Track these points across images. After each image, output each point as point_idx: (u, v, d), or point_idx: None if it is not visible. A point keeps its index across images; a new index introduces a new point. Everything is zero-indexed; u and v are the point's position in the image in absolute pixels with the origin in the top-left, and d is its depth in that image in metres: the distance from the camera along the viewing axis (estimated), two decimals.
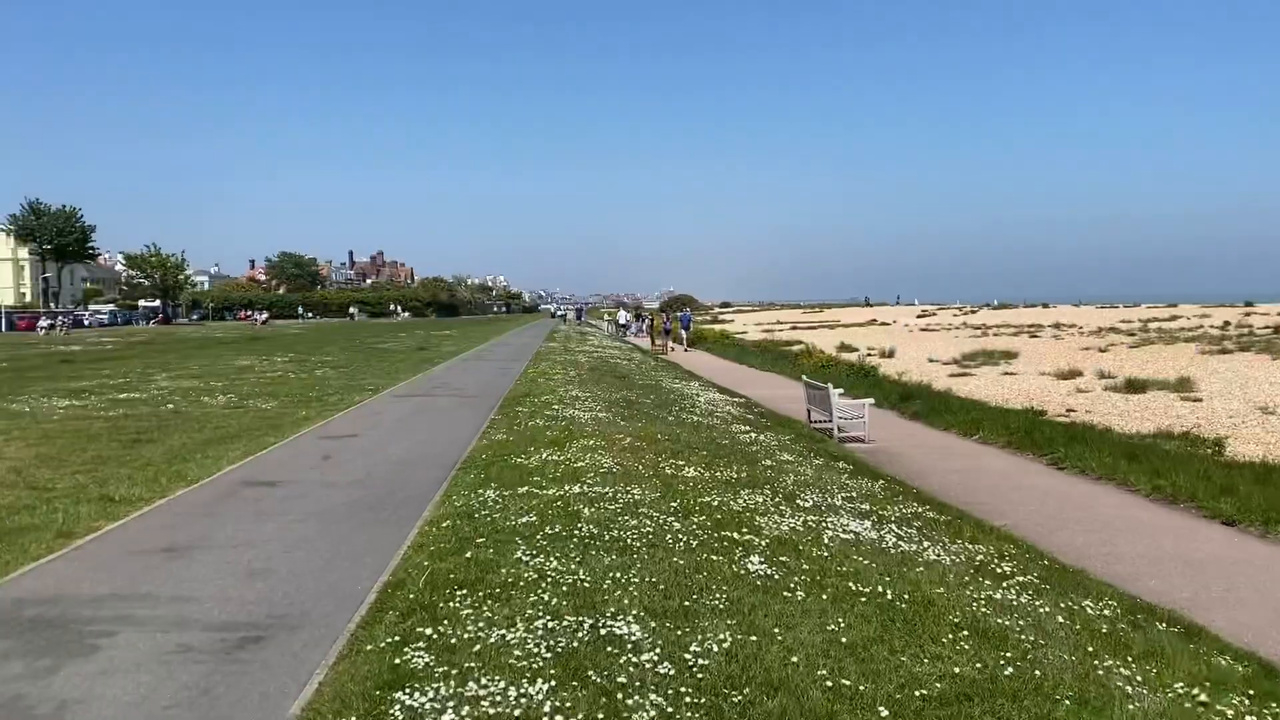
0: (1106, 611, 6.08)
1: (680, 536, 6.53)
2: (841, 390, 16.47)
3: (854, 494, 9.58)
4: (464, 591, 5.22)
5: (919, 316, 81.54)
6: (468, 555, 6.02)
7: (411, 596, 5.21)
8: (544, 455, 9.92)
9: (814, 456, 12.46)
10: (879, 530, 7.61)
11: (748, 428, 14.91)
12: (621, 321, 63.82)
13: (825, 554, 6.46)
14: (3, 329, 70.78)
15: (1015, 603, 5.88)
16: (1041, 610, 5.78)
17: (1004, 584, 6.39)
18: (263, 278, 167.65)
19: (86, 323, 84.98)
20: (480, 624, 4.69)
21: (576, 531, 6.54)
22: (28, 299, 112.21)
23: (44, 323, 65.70)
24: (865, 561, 6.38)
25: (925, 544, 7.32)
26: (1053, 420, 16.92)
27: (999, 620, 5.37)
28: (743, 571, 5.80)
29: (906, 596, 5.56)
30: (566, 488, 8.08)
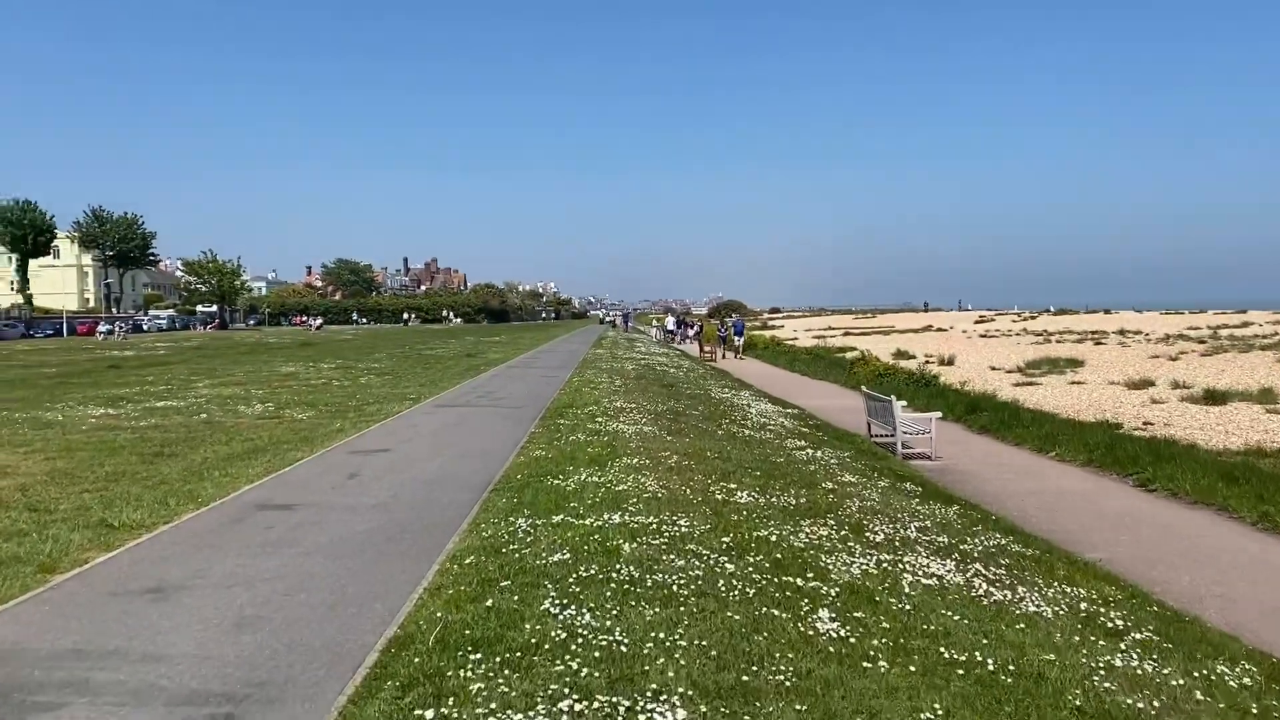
0: (1247, 680, 5.07)
1: (735, 582, 5.63)
2: (904, 403, 15.42)
3: (928, 523, 8.59)
4: (478, 655, 4.37)
5: (976, 322, 79.45)
6: (488, 604, 5.19)
7: (417, 661, 4.38)
8: (583, 476, 9.07)
9: (878, 477, 11.46)
10: (964, 572, 6.63)
11: (804, 443, 13.94)
12: (670, 328, 62.84)
13: (907, 606, 5.51)
14: (64, 334, 72.01)
15: (1139, 671, 4.89)
16: (1173, 682, 4.78)
17: (1120, 644, 5.40)
18: (319, 284, 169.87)
19: (145, 327, 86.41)
20: (493, 703, 3.84)
21: (615, 574, 5.67)
22: (91, 304, 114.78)
23: (103, 327, 66.73)
24: (955, 617, 5.42)
25: (1020, 590, 6.34)
26: (1134, 435, 15.69)
27: (1127, 701, 4.39)
28: (811, 632, 4.88)
29: (1012, 667, 4.60)
30: (606, 517, 7.22)
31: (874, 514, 8.56)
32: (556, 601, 5.17)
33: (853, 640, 4.80)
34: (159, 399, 18.27)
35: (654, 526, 6.93)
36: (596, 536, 6.59)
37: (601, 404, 16.45)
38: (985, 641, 5.03)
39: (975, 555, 7.42)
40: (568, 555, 6.11)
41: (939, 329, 69.51)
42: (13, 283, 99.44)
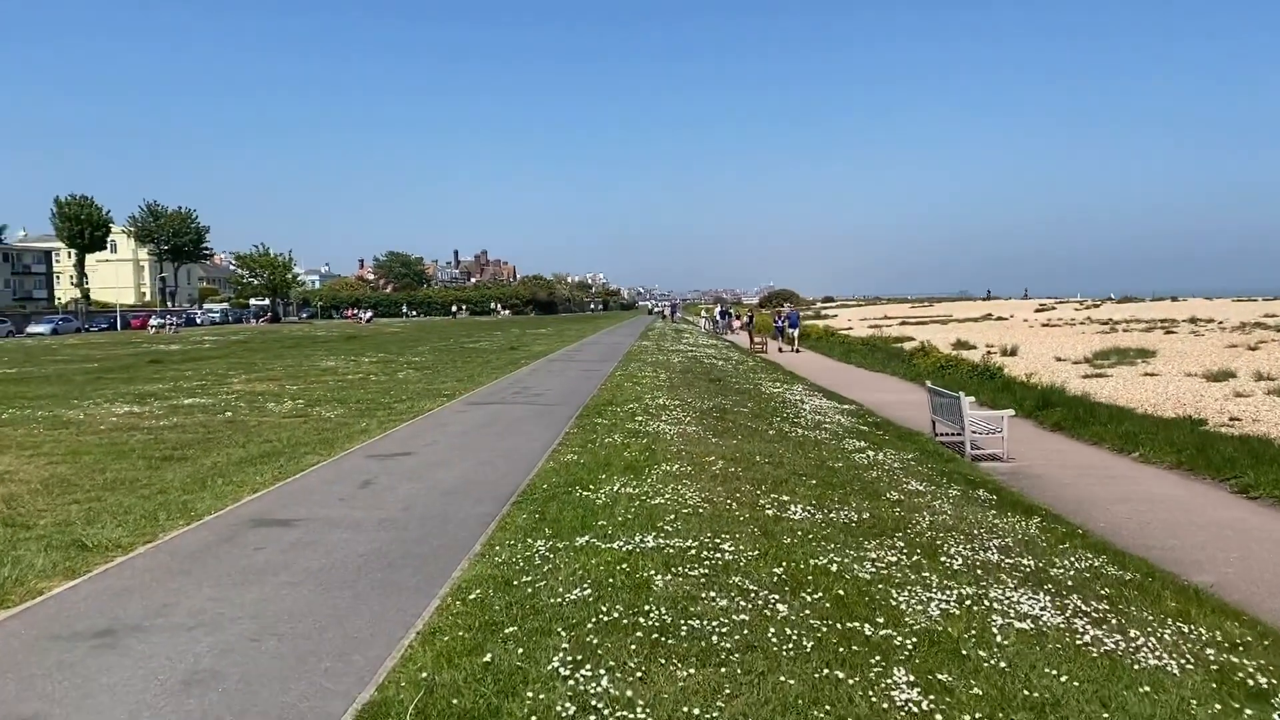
0: None
1: (789, 630, 4.63)
2: (973, 399, 14.21)
3: (1009, 541, 7.49)
4: None
5: (1037, 311, 76.88)
6: (486, 659, 4.26)
7: None
8: (616, 486, 8.13)
9: (948, 483, 10.34)
10: (1062, 610, 5.55)
11: (863, 444, 12.84)
12: (717, 317, 61.72)
13: (1001, 663, 4.46)
14: (118, 328, 72.98)
15: None
16: None
17: (1273, 711, 4.31)
18: (371, 277, 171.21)
19: (199, 321, 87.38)
20: None
21: (643, 618, 4.71)
22: (147, 298, 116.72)
23: (155, 321, 67.43)
24: (1061, 677, 4.36)
25: (1131, 632, 5.25)
26: (1226, 434, 14.32)
27: None
28: (885, 703, 3.87)
29: None
30: (637, 538, 6.26)
31: (948, 531, 7.49)
32: (568, 657, 4.22)
33: (939, 717, 3.78)
34: (189, 395, 17.71)
35: (693, 552, 5.96)
36: (625, 566, 5.63)
37: (643, 401, 15.50)
38: (1106, 716, 3.98)
39: (1069, 583, 6.33)
40: (588, 591, 5.17)
41: (999, 318, 67.32)
42: (71, 277, 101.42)
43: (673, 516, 6.97)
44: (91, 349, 39.34)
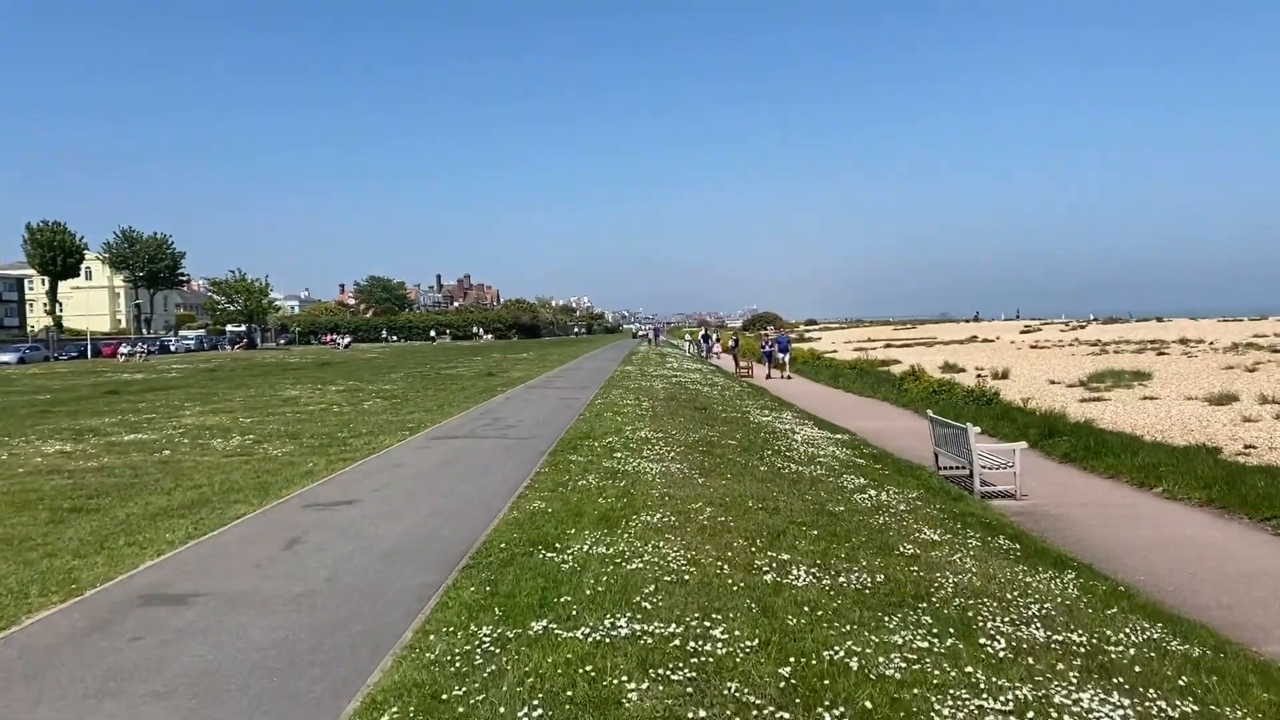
0: None
1: None
2: (979, 429, 13.04)
3: (1049, 608, 6.28)
4: None
5: (1022, 332, 76.30)
6: None
7: None
8: (587, 544, 6.89)
9: (963, 529, 9.14)
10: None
11: (863, 480, 11.66)
12: (702, 342, 60.59)
13: None
14: (88, 355, 71.16)
15: None
16: None
17: None
18: (351, 302, 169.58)
19: (173, 348, 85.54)
20: None
21: None
22: (123, 325, 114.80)
23: (124, 349, 65.74)
24: None
25: None
26: (1252, 465, 13.23)
27: None
28: None
29: None
30: (608, 622, 5.03)
31: (978, 597, 6.28)
32: None
33: None
34: (132, 430, 16.35)
35: (676, 643, 4.72)
36: (589, 669, 4.38)
37: (623, 433, 14.26)
38: None
39: (1136, 669, 5.14)
40: (539, 712, 3.91)
41: (985, 340, 66.61)
42: (45, 304, 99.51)
43: (652, 587, 5.75)
44: (52, 379, 37.78)
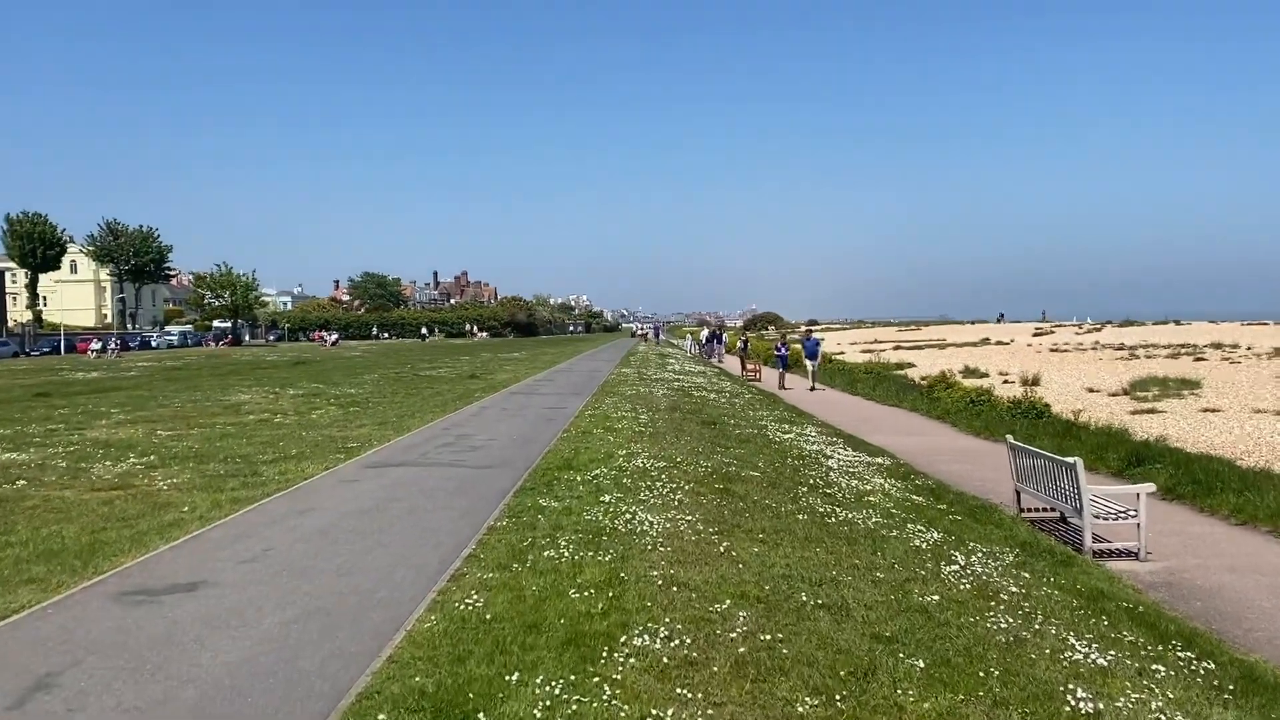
0: None
1: None
2: (1071, 458, 9.90)
3: None
4: None
5: (1035, 334, 73.10)
6: None
7: None
8: (541, 709, 3.81)
9: (1112, 625, 6.08)
10: None
11: (934, 531, 8.60)
12: (704, 340, 57.14)
13: None
14: (61, 350, 67.95)
15: None
16: None
17: None
18: (345, 298, 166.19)
19: (155, 344, 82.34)
20: None
21: None
22: (108, 319, 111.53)
23: (95, 345, 62.43)
24: None
25: None
26: None
27: None
28: None
29: None
30: None
31: None
32: None
33: None
34: (17, 447, 13.26)
35: None
36: None
37: (615, 459, 11.18)
38: None
39: None
40: None
41: (999, 342, 63.52)
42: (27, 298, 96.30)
43: None
44: None
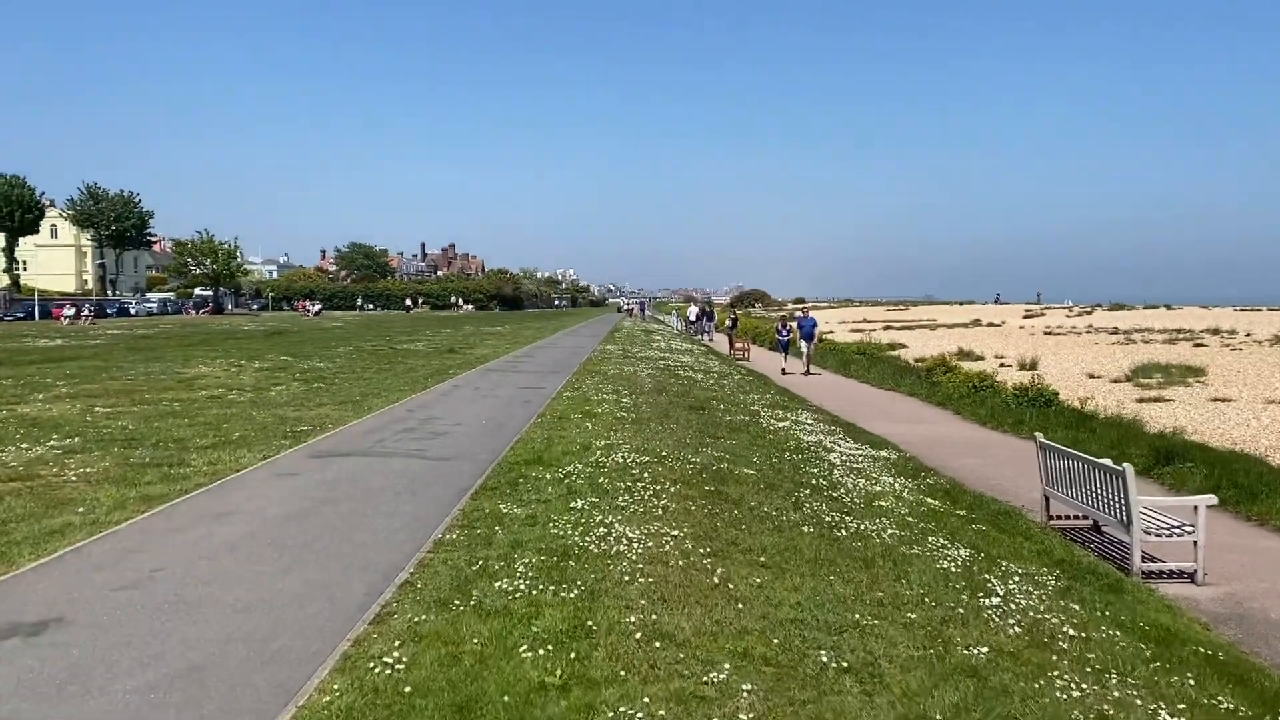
0: None
1: None
2: (1111, 464, 8.65)
3: None
4: None
5: (1026, 317, 72.06)
6: None
7: None
8: None
9: (1186, 680, 4.86)
10: None
11: (958, 546, 7.39)
12: (693, 318, 55.58)
13: None
14: (35, 316, 66.08)
15: None
16: None
17: None
18: (332, 268, 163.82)
19: (134, 311, 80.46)
20: None
21: None
22: (89, 285, 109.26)
23: (68, 311, 60.54)
24: None
25: None
26: None
27: None
28: None
29: None
30: None
31: None
32: None
33: None
34: None
35: None
36: None
37: (592, 452, 9.89)
38: None
39: None
40: None
41: (991, 324, 62.47)
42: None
43: None
44: None
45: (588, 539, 6.33)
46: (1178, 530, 7.81)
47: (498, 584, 5.30)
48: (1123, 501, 7.83)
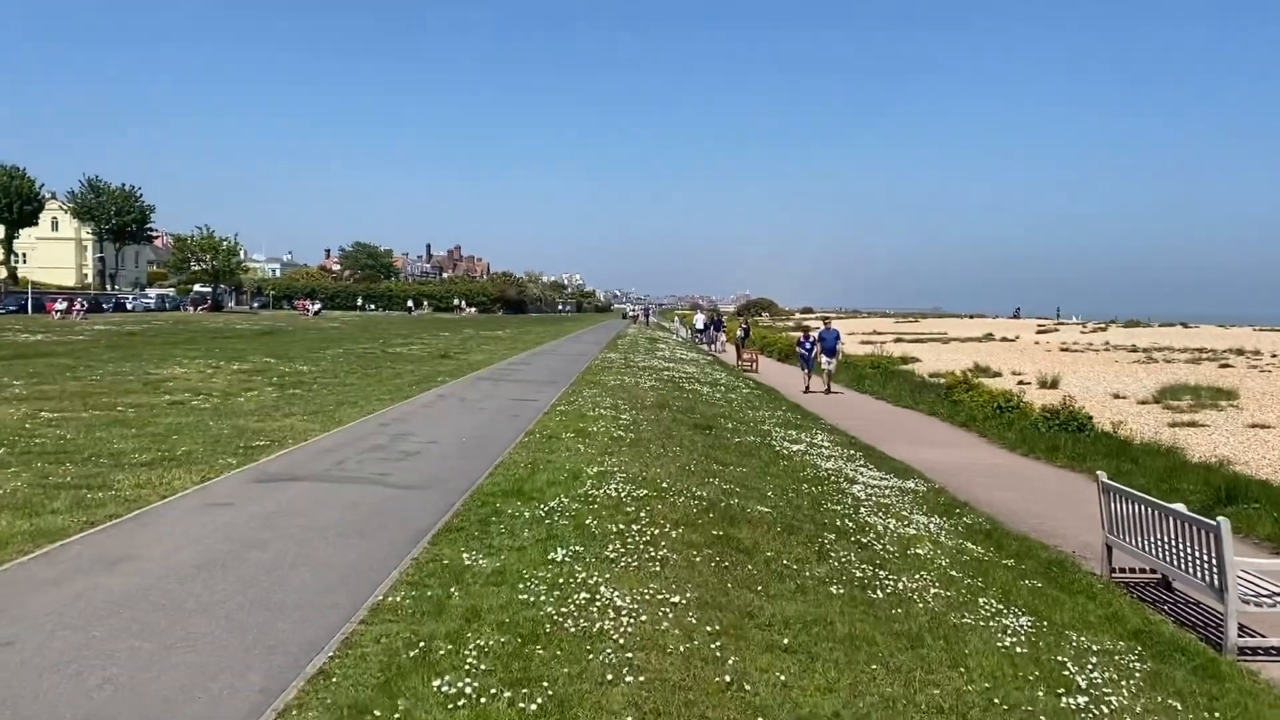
0: None
1: None
2: (1198, 516, 7.30)
3: None
4: None
5: (1039, 332, 70.56)
6: None
7: None
8: None
9: None
10: None
11: (1018, 614, 6.07)
12: (700, 327, 53.69)
13: None
14: (29, 310, 64.95)
15: None
16: None
17: None
18: (336, 267, 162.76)
19: (130, 307, 79.40)
20: None
21: None
22: (89, 280, 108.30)
23: (60, 305, 59.39)
24: None
25: None
26: None
27: None
28: None
29: None
30: None
31: None
32: None
33: None
34: None
35: None
36: None
37: (582, 482, 8.56)
38: None
39: None
40: None
41: (1004, 338, 61.02)
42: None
43: None
44: None
45: (564, 609, 5.01)
46: (1276, 597, 6.47)
47: (437, 683, 3.97)
48: (1214, 561, 6.49)
